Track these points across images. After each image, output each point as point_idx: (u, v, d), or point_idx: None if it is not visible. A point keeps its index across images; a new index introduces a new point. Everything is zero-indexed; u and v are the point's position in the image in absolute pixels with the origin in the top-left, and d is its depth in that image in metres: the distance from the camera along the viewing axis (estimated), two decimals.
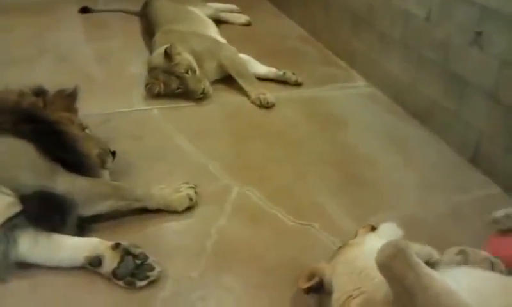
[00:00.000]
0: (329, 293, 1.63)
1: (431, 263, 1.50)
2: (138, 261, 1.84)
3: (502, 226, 1.94)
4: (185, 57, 3.22)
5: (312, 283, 1.66)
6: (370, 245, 1.66)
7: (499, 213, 1.95)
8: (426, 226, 2.22)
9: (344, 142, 2.87)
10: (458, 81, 2.71)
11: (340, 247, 1.79)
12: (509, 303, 1.38)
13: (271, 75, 3.54)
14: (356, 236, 1.83)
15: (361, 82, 3.61)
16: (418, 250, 1.46)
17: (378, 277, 1.48)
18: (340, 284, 1.60)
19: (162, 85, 3.20)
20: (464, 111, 2.71)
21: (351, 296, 1.54)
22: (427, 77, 2.97)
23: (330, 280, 1.64)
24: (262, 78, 3.50)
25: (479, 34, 2.52)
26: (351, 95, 3.44)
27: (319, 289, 1.67)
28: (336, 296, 1.59)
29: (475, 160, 2.65)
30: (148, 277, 1.83)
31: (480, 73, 2.55)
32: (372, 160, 2.70)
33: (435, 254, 1.57)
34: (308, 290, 1.68)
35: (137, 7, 4.65)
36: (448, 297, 1.30)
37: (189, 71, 3.18)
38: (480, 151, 2.62)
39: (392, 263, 1.36)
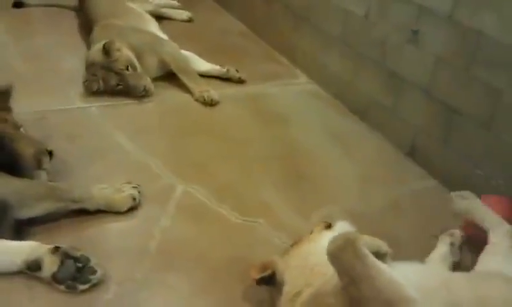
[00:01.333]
0: (280, 286, 1.65)
1: (380, 256, 1.54)
2: (79, 264, 1.78)
3: (457, 206, 2.05)
4: (124, 53, 3.14)
5: (265, 274, 1.67)
6: (324, 244, 1.69)
7: (453, 193, 2.07)
8: (366, 219, 2.29)
9: (287, 138, 2.90)
10: (395, 78, 2.81)
11: (294, 243, 1.81)
12: (451, 299, 1.44)
13: (214, 72, 3.52)
14: (311, 233, 1.85)
15: (303, 79, 3.66)
16: (367, 242, 1.50)
17: (330, 273, 1.51)
18: (292, 278, 1.62)
19: (101, 82, 3.10)
20: (401, 107, 2.81)
21: (299, 292, 1.56)
22: (366, 74, 3.06)
23: (282, 273, 1.66)
24: (205, 76, 3.47)
25: (416, 32, 2.62)
26: (293, 92, 3.48)
27: (271, 281, 1.68)
28: (287, 289, 1.61)
29: (412, 154, 2.76)
30: (90, 280, 1.78)
31: (416, 70, 2.66)
32: (314, 156, 2.75)
33: (384, 247, 1.61)
34: (260, 281, 1.69)
35: (74, 2, 4.47)
36: (393, 289, 1.35)
37: (129, 68, 3.10)
38: (416, 145, 2.73)
39: (341, 253, 1.40)
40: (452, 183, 2.49)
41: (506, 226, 1.89)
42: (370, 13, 2.95)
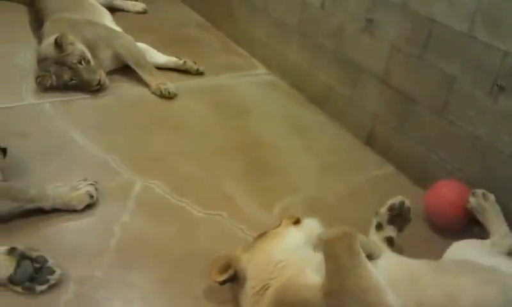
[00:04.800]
0: (242, 281, 1.64)
1: (371, 258, 1.55)
2: (37, 265, 1.75)
3: (477, 201, 2.08)
4: (77, 46, 3.05)
5: (227, 276, 1.66)
6: (290, 241, 1.70)
7: (479, 190, 2.09)
8: (327, 207, 2.32)
9: (248, 130, 2.89)
10: (352, 67, 2.84)
11: (259, 236, 1.79)
12: (415, 288, 1.46)
13: (171, 65, 3.47)
14: (279, 225, 1.84)
15: (261, 70, 3.65)
16: (363, 242, 1.50)
17: (296, 269, 1.51)
18: (256, 273, 1.61)
19: (54, 77, 3.00)
20: (358, 95, 2.84)
21: (265, 286, 1.56)
22: (323, 63, 3.08)
23: (245, 269, 1.65)
24: (162, 68, 3.42)
25: (370, 21, 2.65)
26: (252, 83, 3.47)
27: (232, 278, 1.67)
28: (252, 284, 1.61)
29: (370, 142, 2.80)
30: (48, 280, 1.75)
31: (372, 58, 2.70)
32: (275, 147, 2.75)
33: (378, 251, 1.61)
34: (223, 283, 1.67)
35: None
36: (376, 293, 1.36)
37: (83, 62, 3.02)
38: (374, 133, 2.77)
39: (336, 242, 1.41)
40: (409, 169, 2.55)
41: (510, 240, 1.95)
42: (326, 2, 2.97)
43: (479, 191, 2.08)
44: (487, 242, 1.94)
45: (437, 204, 2.17)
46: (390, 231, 1.91)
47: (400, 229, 1.93)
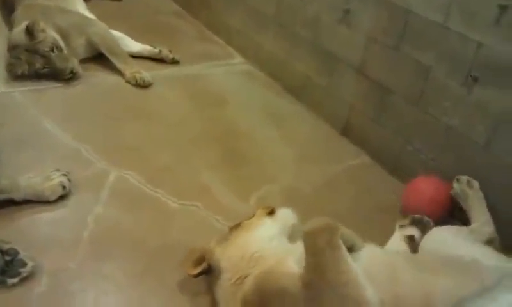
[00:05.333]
0: (217, 274, 1.63)
1: (353, 251, 1.55)
2: (8, 258, 1.73)
3: (460, 187, 2.11)
4: (49, 34, 2.98)
5: (201, 269, 1.65)
6: (264, 232, 1.69)
7: (464, 176, 2.12)
8: (304, 196, 2.32)
9: (224, 119, 2.87)
10: (329, 57, 2.84)
11: (233, 227, 1.78)
12: (393, 284, 1.47)
13: (146, 53, 3.42)
14: (253, 216, 1.83)
15: (238, 59, 3.63)
16: (345, 235, 1.50)
17: (275, 259, 1.51)
18: (232, 265, 1.61)
19: (25, 65, 2.93)
20: (335, 86, 2.85)
21: (243, 275, 1.55)
22: (300, 53, 3.07)
23: (219, 261, 1.64)
24: (137, 56, 3.37)
25: (347, 11, 2.65)
26: (229, 72, 3.44)
27: (207, 271, 1.66)
28: (228, 276, 1.60)
29: (347, 132, 2.82)
30: (20, 273, 1.72)
31: (348, 49, 2.70)
32: (252, 136, 2.74)
33: (359, 244, 1.61)
34: (197, 275, 1.66)
35: None
36: (354, 287, 1.36)
37: (55, 49, 2.95)
38: (350, 123, 2.78)
39: (317, 235, 1.40)
40: (385, 159, 2.57)
41: (491, 227, 1.98)
42: None
43: (464, 177, 2.11)
44: (465, 229, 1.97)
45: (416, 200, 2.18)
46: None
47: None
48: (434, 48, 2.22)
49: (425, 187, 2.19)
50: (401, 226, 2.05)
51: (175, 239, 1.99)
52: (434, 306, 1.42)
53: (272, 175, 2.45)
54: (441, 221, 2.10)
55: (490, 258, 1.66)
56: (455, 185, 2.12)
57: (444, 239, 1.80)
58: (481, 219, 2.02)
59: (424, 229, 1.98)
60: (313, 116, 3.00)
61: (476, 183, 2.09)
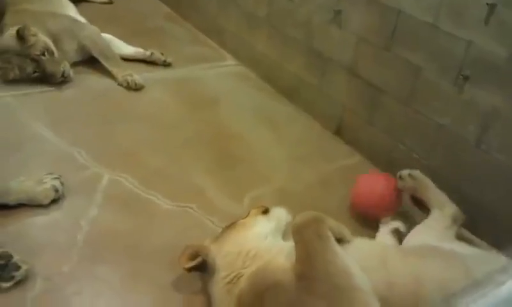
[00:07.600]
0: (212, 272, 1.64)
1: (342, 243, 1.56)
2: (1, 262, 1.72)
3: (405, 184, 2.09)
4: (40, 38, 2.96)
5: (195, 262, 1.65)
6: (259, 230, 1.71)
7: (404, 172, 2.11)
8: (297, 196, 2.33)
9: (217, 121, 2.87)
10: (320, 58, 2.85)
11: (228, 227, 1.79)
12: (385, 270, 1.49)
13: (138, 56, 3.41)
14: (247, 215, 1.84)
15: (231, 61, 3.63)
16: (333, 227, 1.52)
17: (268, 257, 1.52)
18: (227, 263, 1.62)
19: (16, 69, 2.92)
20: (327, 86, 2.86)
21: (239, 273, 1.56)
22: (292, 55, 3.08)
23: (214, 259, 1.64)
24: (129, 59, 3.36)
25: (338, 12, 2.66)
26: (221, 74, 3.44)
27: (202, 268, 1.67)
28: (223, 274, 1.61)
29: (339, 132, 2.83)
30: (13, 277, 1.71)
31: (340, 50, 2.71)
32: (245, 138, 2.75)
33: (348, 236, 1.63)
34: (191, 269, 1.67)
35: None
36: (344, 276, 1.38)
37: (46, 53, 2.94)
38: (343, 123, 2.80)
39: (305, 228, 1.43)
40: (377, 158, 2.59)
41: (453, 207, 1.98)
42: None
43: (404, 173, 2.09)
44: (436, 226, 1.95)
45: (367, 198, 2.17)
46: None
47: None
48: (425, 48, 2.24)
49: (374, 184, 2.17)
50: (383, 223, 2.07)
51: (169, 241, 1.98)
52: (423, 287, 1.46)
53: (265, 176, 2.46)
54: (394, 212, 2.13)
55: (464, 248, 1.76)
56: (399, 184, 2.10)
57: (425, 239, 1.83)
58: (439, 201, 2.01)
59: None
60: (306, 116, 3.01)
61: (417, 173, 2.08)
